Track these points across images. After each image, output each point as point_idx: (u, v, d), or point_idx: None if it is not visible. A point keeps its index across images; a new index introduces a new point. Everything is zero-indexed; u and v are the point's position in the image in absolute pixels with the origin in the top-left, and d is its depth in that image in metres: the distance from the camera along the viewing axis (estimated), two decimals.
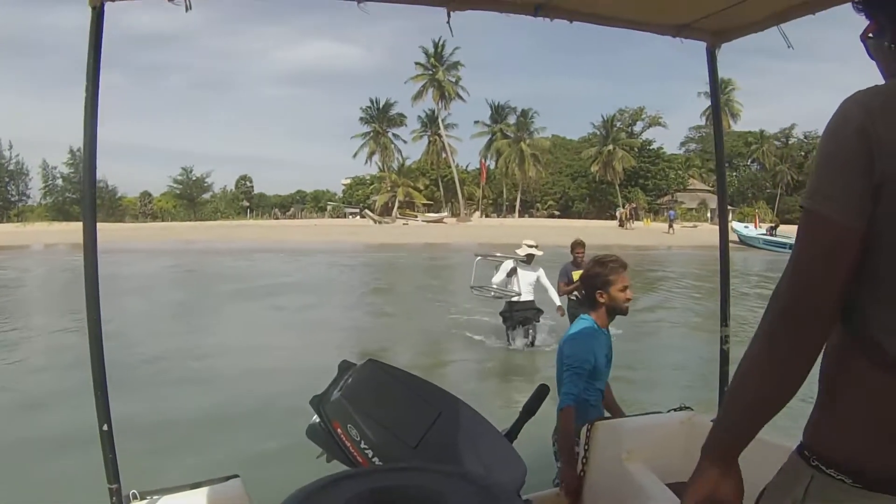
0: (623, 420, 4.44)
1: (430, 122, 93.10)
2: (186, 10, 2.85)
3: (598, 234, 58.21)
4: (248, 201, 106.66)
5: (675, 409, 4.45)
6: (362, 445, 2.75)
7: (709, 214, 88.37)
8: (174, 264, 35.94)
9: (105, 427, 2.88)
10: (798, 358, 1.50)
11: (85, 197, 2.99)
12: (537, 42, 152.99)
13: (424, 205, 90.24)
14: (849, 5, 1.79)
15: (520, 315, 13.33)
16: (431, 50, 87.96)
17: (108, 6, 2.85)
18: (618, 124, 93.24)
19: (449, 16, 3.20)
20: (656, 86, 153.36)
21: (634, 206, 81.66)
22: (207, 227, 68.83)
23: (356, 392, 2.94)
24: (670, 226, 73.21)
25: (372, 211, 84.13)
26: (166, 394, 10.66)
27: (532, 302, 13.36)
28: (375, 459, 2.74)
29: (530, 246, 13.15)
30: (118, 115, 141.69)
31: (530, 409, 3.69)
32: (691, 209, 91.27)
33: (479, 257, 15.44)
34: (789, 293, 1.50)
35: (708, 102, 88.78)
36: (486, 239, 53.95)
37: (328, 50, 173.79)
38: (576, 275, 11.22)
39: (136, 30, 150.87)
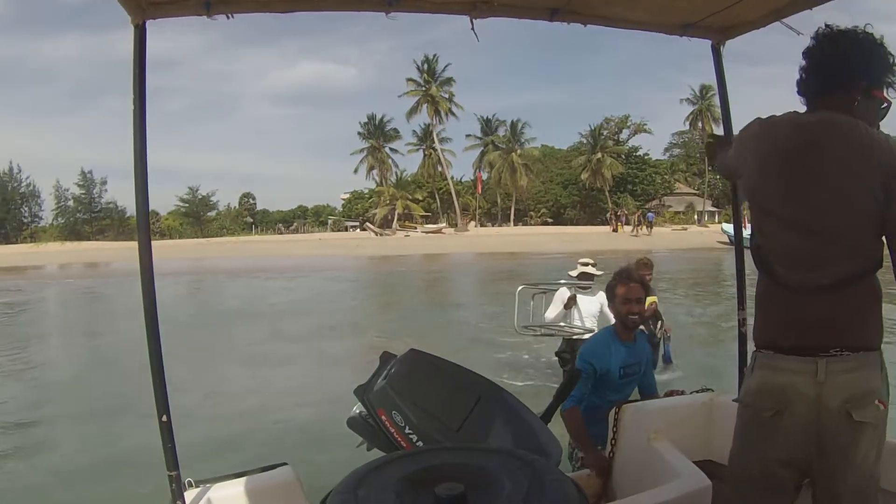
0: (649, 402, 4.50)
1: (425, 137, 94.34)
2: (228, 17, 3.06)
3: (593, 239, 60.10)
4: (251, 217, 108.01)
5: (697, 391, 4.58)
6: (407, 430, 2.90)
7: (696, 217, 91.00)
8: (214, 286, 34.99)
9: (164, 418, 2.97)
10: None
11: (139, 206, 3.03)
12: (523, 55, 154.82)
13: (422, 216, 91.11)
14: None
15: None
16: (424, 66, 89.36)
17: (149, 24, 2.94)
18: (604, 132, 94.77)
19: (472, 23, 3.34)
20: (639, 94, 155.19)
21: (623, 211, 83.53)
22: (217, 244, 70.08)
23: (400, 380, 3.08)
24: (649, 227, 74.51)
25: (372, 224, 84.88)
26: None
27: (576, 327, 10.14)
28: (420, 443, 2.89)
29: (585, 264, 10.14)
30: (124, 137, 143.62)
31: (564, 393, 4.05)
32: (679, 212, 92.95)
33: (522, 287, 11.83)
34: None
35: (691, 108, 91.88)
36: (485, 248, 55.30)
37: (321, 70, 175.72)
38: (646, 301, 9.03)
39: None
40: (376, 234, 78.15)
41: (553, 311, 10.14)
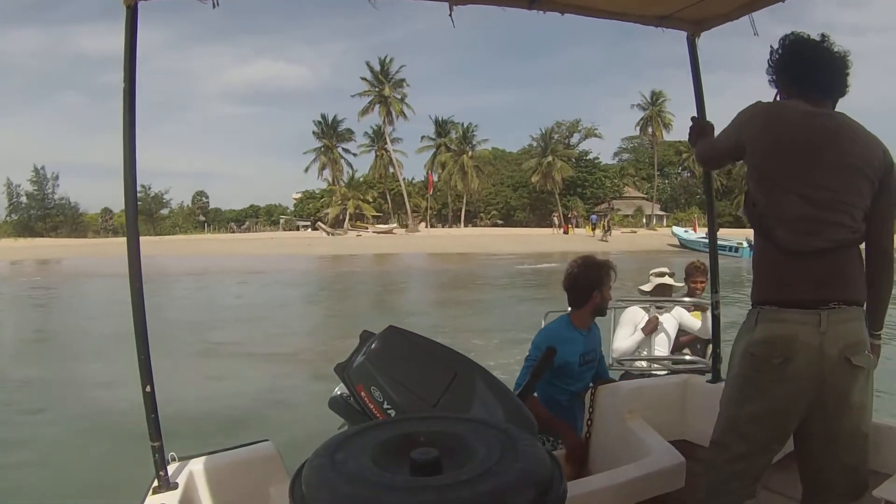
0: (624, 382, 4.57)
1: (377, 137, 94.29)
2: (214, 6, 3.03)
3: (544, 241, 60.80)
4: (204, 216, 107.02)
5: (672, 373, 4.65)
6: (385, 406, 2.94)
7: (644, 220, 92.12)
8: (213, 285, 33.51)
9: (147, 388, 2.98)
10: None
11: (127, 192, 3.07)
12: (476, 58, 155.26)
13: (374, 217, 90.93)
14: None
15: None
16: (377, 67, 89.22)
17: (141, 6, 2.95)
18: (555, 136, 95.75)
19: (451, 9, 3.32)
20: (588, 99, 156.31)
21: (573, 213, 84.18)
22: (171, 242, 67.34)
23: (379, 356, 3.10)
24: (594, 229, 74.83)
25: (324, 223, 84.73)
26: None
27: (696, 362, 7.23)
28: (390, 417, 2.91)
29: (661, 275, 7.97)
30: (77, 133, 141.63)
31: (539, 371, 4.04)
32: (628, 215, 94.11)
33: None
34: None
35: (641, 114, 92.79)
36: (436, 249, 55.38)
37: (275, 69, 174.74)
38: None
39: (93, 50, 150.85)
40: (328, 233, 77.86)
41: (627, 338, 7.21)
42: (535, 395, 4.42)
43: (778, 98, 3.06)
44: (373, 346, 3.18)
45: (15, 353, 15.74)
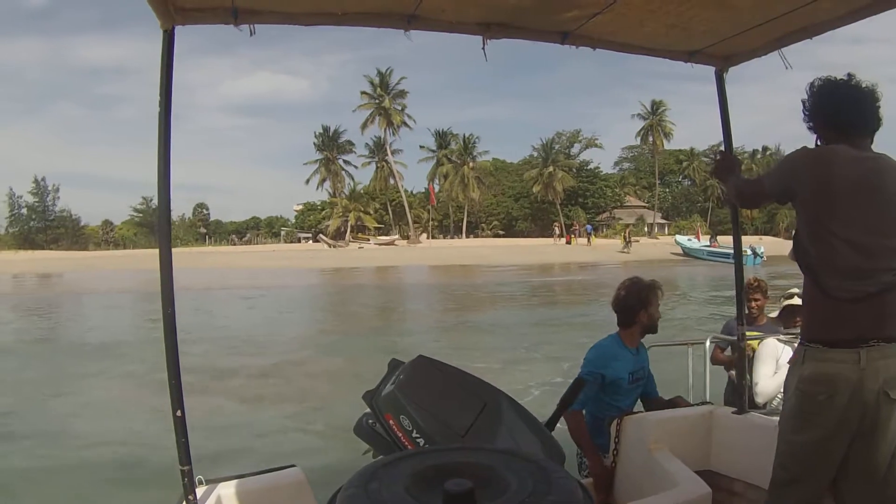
0: (650, 413, 4.53)
1: (378, 149, 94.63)
2: (251, 34, 3.15)
3: (546, 251, 60.81)
4: (205, 228, 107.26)
5: (697, 404, 4.66)
6: (414, 434, 2.95)
7: (646, 229, 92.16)
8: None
9: (178, 413, 2.98)
10: None
11: (161, 208, 3.13)
12: (476, 70, 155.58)
13: (376, 228, 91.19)
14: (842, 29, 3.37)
15: None
16: (377, 79, 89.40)
17: (177, 29, 3.02)
18: (556, 146, 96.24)
19: (485, 43, 3.45)
20: (586, 110, 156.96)
21: (576, 223, 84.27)
22: (177, 254, 68.00)
23: (408, 385, 3.13)
24: (588, 239, 76.27)
25: (326, 235, 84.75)
26: None
27: None
28: (423, 447, 2.93)
29: (791, 296, 6.82)
30: (77, 144, 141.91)
31: (567, 401, 4.03)
32: (629, 224, 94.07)
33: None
34: None
35: (642, 123, 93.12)
36: (438, 261, 55.42)
37: (274, 82, 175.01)
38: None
39: (92, 62, 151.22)
40: (330, 245, 77.97)
41: (771, 377, 5.97)
42: (582, 410, 4.61)
43: (818, 143, 3.15)
44: (402, 375, 3.23)
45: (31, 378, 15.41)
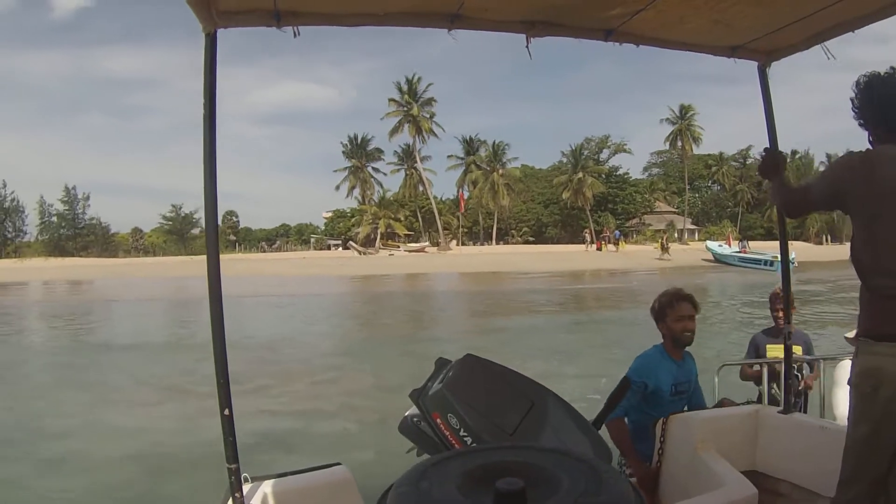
0: (695, 413, 4.47)
1: (406, 156, 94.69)
2: (294, 35, 3.13)
3: (577, 258, 60.44)
4: (234, 235, 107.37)
5: (743, 403, 4.72)
6: (462, 433, 2.95)
7: (676, 235, 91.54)
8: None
9: (226, 412, 2.98)
10: None
11: (208, 214, 3.12)
12: (502, 74, 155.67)
13: (406, 235, 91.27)
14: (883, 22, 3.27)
15: None
16: (405, 87, 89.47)
17: (220, 32, 3.00)
18: (585, 152, 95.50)
19: (528, 41, 3.45)
20: (614, 114, 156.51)
21: (606, 230, 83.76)
22: (203, 262, 67.31)
23: (456, 384, 3.13)
24: (615, 245, 75.38)
25: (355, 242, 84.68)
26: None
27: None
28: (474, 445, 2.93)
29: None
30: (107, 154, 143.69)
31: (614, 400, 4.11)
32: (659, 230, 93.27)
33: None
34: None
35: (671, 128, 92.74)
36: (468, 268, 55.08)
37: (301, 90, 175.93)
38: (772, 349, 6.76)
39: (118, 73, 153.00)
40: (360, 252, 77.96)
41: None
42: (625, 419, 4.56)
43: (869, 139, 3.16)
44: (450, 373, 3.24)
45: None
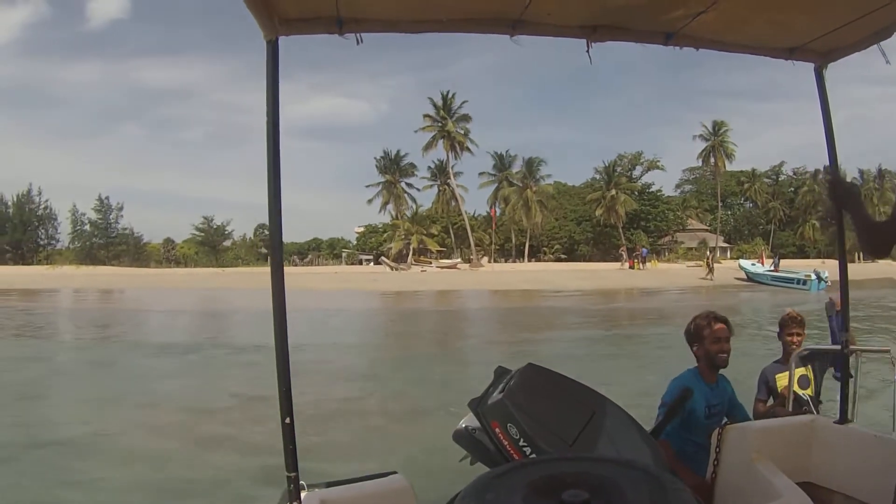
0: (751, 423, 4.48)
1: (440, 172, 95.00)
2: (357, 43, 3.13)
3: (609, 276, 59.96)
4: (266, 248, 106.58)
5: (797, 414, 4.69)
6: (521, 443, 2.92)
7: (708, 252, 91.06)
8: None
9: (287, 420, 3.02)
10: None
11: (272, 224, 3.12)
12: (531, 94, 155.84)
13: (438, 251, 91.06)
14: None
15: None
16: (440, 102, 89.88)
17: (281, 40, 3.01)
18: (618, 169, 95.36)
19: (589, 46, 3.44)
20: (647, 132, 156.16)
21: (638, 248, 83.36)
22: (235, 274, 68.07)
23: (517, 393, 3.11)
24: (643, 263, 74.39)
25: (387, 258, 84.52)
26: None
27: None
28: (533, 455, 2.91)
29: None
30: (140, 164, 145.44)
31: (673, 410, 4.16)
32: (691, 248, 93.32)
33: None
34: None
35: (703, 144, 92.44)
36: (500, 286, 54.67)
37: (336, 106, 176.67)
38: (781, 379, 6.13)
39: (153, 84, 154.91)
40: (392, 268, 77.92)
41: None
42: (668, 441, 4.46)
43: None
44: (511, 382, 3.22)
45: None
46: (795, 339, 6.20)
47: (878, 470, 3.45)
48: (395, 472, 3.42)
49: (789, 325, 6.30)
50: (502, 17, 3.30)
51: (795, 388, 5.53)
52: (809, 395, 5.78)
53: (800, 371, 5.85)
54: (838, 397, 4.24)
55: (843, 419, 4.19)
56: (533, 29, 3.38)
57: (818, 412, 4.75)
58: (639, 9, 3.31)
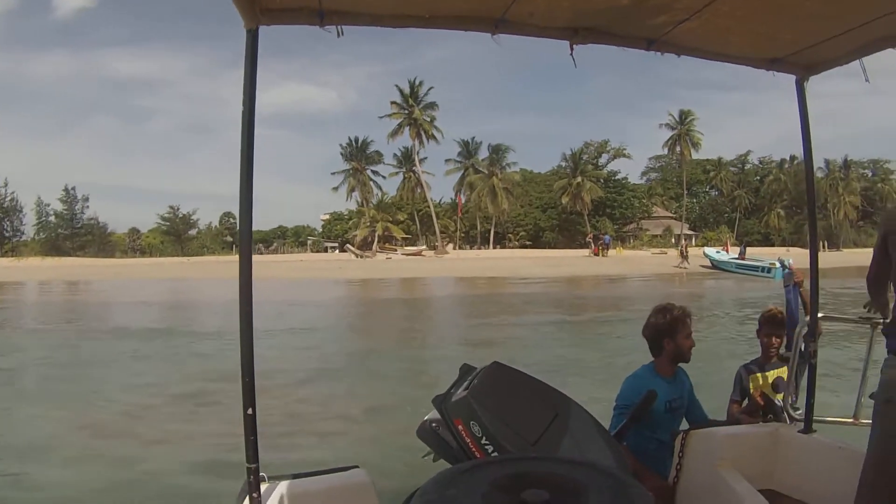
0: (716, 429, 4.38)
1: (406, 159, 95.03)
2: (338, 35, 3.11)
3: (575, 263, 60.16)
4: (231, 237, 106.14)
5: (764, 421, 4.70)
6: (483, 441, 2.94)
7: (673, 240, 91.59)
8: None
9: (249, 411, 2.97)
10: None
11: (242, 211, 3.10)
12: (498, 81, 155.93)
13: (403, 238, 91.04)
14: None
15: None
16: (407, 90, 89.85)
17: (261, 29, 3.00)
18: (584, 157, 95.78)
19: (572, 48, 3.40)
20: (615, 119, 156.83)
21: (602, 234, 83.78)
22: (201, 263, 67.99)
23: (482, 391, 3.11)
24: (606, 250, 75.29)
25: (353, 245, 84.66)
26: None
27: None
28: (495, 454, 2.93)
29: None
30: (105, 155, 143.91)
31: (639, 414, 4.15)
32: (656, 235, 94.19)
33: None
34: None
35: (670, 133, 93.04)
36: (466, 273, 54.51)
37: (303, 93, 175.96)
38: (754, 381, 5.65)
39: (122, 74, 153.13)
40: (357, 255, 77.81)
41: None
42: (624, 444, 4.38)
43: None
44: (475, 380, 3.21)
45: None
46: (774, 340, 5.61)
47: (840, 480, 3.51)
48: (356, 467, 3.43)
49: (768, 324, 5.66)
50: (485, 16, 3.29)
51: (768, 392, 5.33)
52: (781, 400, 5.16)
53: (776, 373, 5.56)
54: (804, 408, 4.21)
55: (808, 428, 4.20)
56: (515, 28, 3.38)
57: (791, 417, 4.59)
58: (621, 14, 3.31)
